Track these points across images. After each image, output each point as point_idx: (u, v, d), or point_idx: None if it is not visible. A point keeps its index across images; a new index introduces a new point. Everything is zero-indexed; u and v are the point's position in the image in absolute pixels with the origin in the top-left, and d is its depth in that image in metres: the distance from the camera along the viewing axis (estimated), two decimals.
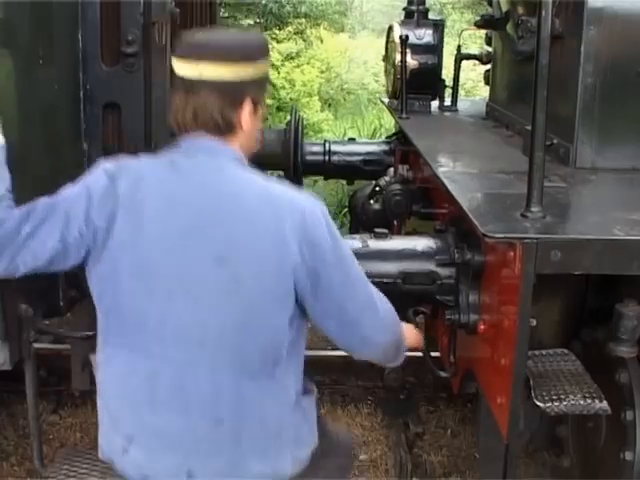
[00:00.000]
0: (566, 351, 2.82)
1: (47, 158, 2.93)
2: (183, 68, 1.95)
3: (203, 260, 1.88)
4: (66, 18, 3.05)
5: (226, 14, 8.31)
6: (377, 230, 3.02)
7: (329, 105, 13.31)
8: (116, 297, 1.96)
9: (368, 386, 5.36)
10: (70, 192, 2.05)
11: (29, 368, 2.71)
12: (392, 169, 4.60)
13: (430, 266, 2.94)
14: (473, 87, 11.56)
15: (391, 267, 2.94)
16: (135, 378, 1.97)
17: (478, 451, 4.16)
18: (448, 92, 5.06)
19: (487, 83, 4.97)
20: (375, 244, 2.99)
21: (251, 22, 9.27)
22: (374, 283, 2.93)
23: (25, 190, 2.69)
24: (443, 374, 3.10)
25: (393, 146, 4.93)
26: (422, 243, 2.99)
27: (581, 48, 3.26)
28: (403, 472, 4.53)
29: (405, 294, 2.98)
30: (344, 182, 7.07)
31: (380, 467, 4.59)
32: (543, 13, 2.37)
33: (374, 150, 5.05)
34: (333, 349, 5.85)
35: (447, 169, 3.26)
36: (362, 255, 2.96)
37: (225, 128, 1.95)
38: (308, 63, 13.15)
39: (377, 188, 4.36)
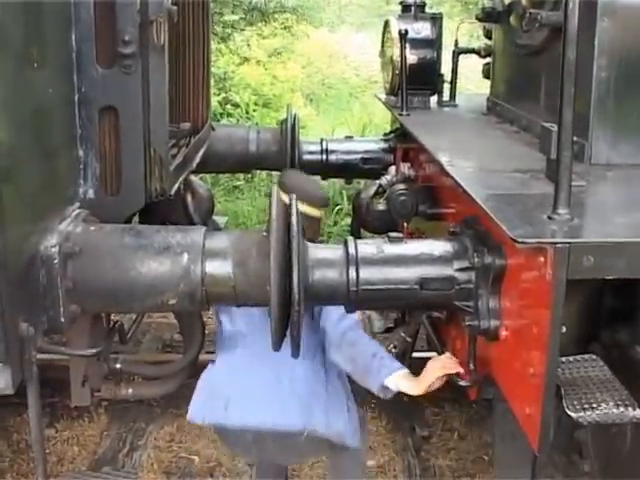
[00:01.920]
0: (594, 356, 2.71)
1: (40, 165, 2.78)
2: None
3: None
4: (58, 18, 2.89)
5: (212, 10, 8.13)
6: (392, 235, 2.90)
7: (311, 100, 13.19)
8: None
9: None
10: None
11: (32, 391, 2.56)
12: (393, 167, 4.48)
13: (448, 271, 2.81)
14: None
15: (408, 273, 2.81)
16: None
17: (493, 456, 4.07)
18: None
19: (486, 77, 4.85)
20: (391, 249, 2.86)
21: (236, 18, 9.09)
22: (390, 290, 2.84)
23: (18, 199, 2.56)
24: (463, 383, 2.98)
25: (392, 144, 4.81)
26: (439, 247, 2.87)
27: (594, 41, 3.15)
28: (412, 477, 4.43)
29: (422, 300, 2.86)
30: (335, 180, 6.97)
31: (388, 473, 4.50)
32: (570, 4, 2.25)
33: (373, 148, 4.92)
34: None
35: (459, 168, 3.14)
36: (377, 261, 2.84)
37: None
38: (289, 59, 13.01)
39: (380, 188, 4.25)
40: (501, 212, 2.48)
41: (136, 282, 2.78)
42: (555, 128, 2.73)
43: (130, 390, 3.73)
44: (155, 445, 4.72)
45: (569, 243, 2.23)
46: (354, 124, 8.93)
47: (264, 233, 2.81)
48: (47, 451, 4.61)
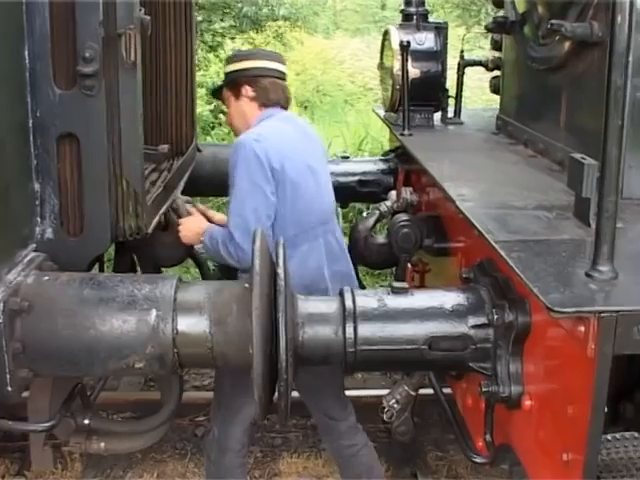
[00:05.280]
0: (636, 434, 2.30)
1: None
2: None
3: None
4: (8, 31, 2.48)
5: (200, 17, 7.73)
6: (395, 284, 2.49)
7: (305, 108, 12.82)
8: None
9: (370, 429, 4.84)
10: None
11: None
12: (394, 192, 4.07)
13: (462, 328, 2.41)
14: None
15: (414, 330, 2.41)
16: None
17: None
18: None
19: (495, 92, 4.45)
20: (394, 302, 2.45)
21: (226, 25, 8.68)
22: (394, 350, 2.43)
23: None
24: (478, 460, 2.57)
25: (393, 164, 4.40)
26: (451, 299, 2.46)
27: (629, 57, 2.74)
28: None
29: (431, 362, 2.45)
30: None
31: None
32: (619, 19, 1.84)
33: (371, 169, 4.49)
34: None
35: (472, 204, 2.74)
36: (379, 316, 2.43)
37: None
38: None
39: (378, 214, 3.84)
40: (530, 268, 2.07)
41: (96, 343, 2.38)
42: (587, 161, 2.35)
43: (102, 444, 3.32)
44: None
45: (616, 312, 1.82)
46: (350, 136, 8.51)
47: (246, 285, 2.40)
48: None
